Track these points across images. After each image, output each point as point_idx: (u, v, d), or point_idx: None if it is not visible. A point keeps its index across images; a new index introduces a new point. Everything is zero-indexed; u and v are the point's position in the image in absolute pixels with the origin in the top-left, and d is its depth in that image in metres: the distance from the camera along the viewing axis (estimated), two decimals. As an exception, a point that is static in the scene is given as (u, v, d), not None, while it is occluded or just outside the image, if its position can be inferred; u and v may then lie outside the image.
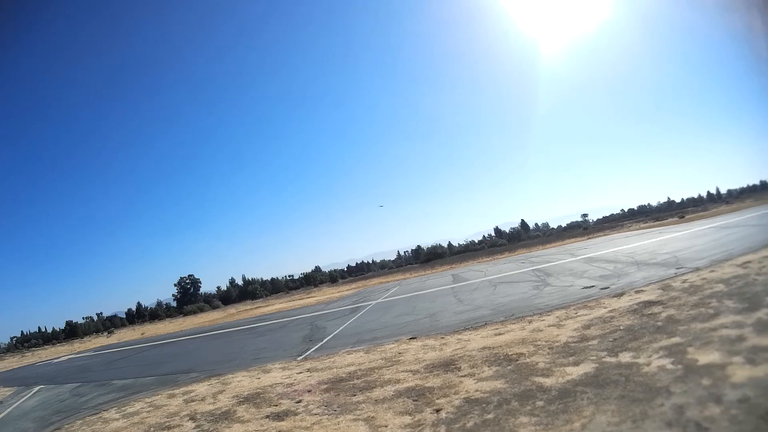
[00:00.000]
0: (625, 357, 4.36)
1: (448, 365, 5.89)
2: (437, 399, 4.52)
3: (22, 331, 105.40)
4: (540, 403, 3.66)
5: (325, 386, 6.52)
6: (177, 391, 9.16)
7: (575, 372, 4.27)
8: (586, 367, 4.32)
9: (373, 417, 4.50)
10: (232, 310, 61.41)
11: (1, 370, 34.67)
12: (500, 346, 6.29)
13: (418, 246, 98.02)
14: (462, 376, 5.16)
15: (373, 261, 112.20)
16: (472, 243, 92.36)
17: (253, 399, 6.90)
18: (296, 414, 5.47)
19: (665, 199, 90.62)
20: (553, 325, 6.88)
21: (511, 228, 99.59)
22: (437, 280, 27.26)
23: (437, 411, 4.10)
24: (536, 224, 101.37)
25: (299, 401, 6.04)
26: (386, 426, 4.14)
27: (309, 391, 6.46)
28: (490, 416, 3.58)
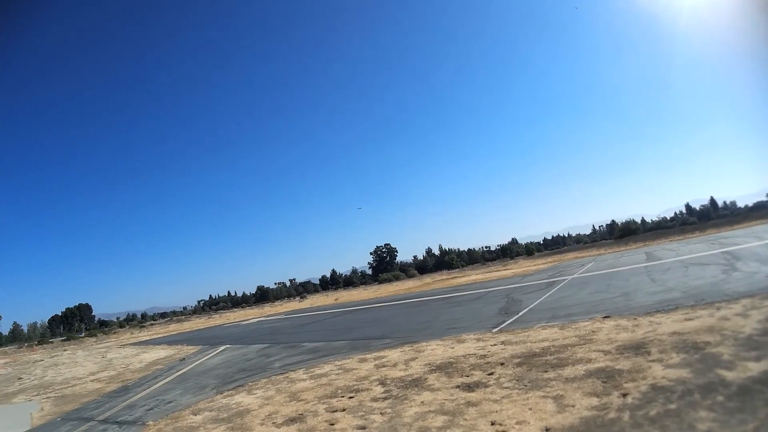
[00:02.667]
0: (804, 357, 4.45)
1: (638, 348, 6.17)
2: (625, 383, 4.87)
3: (210, 295, 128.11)
4: (720, 398, 3.95)
5: (518, 360, 6.95)
6: (368, 356, 9.85)
7: (756, 368, 4.45)
8: (766, 365, 4.48)
9: (562, 396, 4.89)
10: (428, 279, 67.11)
11: (185, 330, 40.64)
12: (689, 332, 6.43)
13: (613, 221, 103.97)
14: (651, 361, 5.45)
15: (568, 235, 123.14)
16: (664, 220, 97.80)
17: (445, 368, 7.33)
18: (487, 386, 5.84)
19: None
20: (739, 315, 6.90)
21: (701, 205, 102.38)
22: (631, 257, 28.15)
23: (624, 395, 4.49)
24: (724, 202, 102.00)
25: (491, 373, 6.43)
26: (573, 406, 4.51)
27: (501, 364, 6.88)
28: (672, 407, 3.95)
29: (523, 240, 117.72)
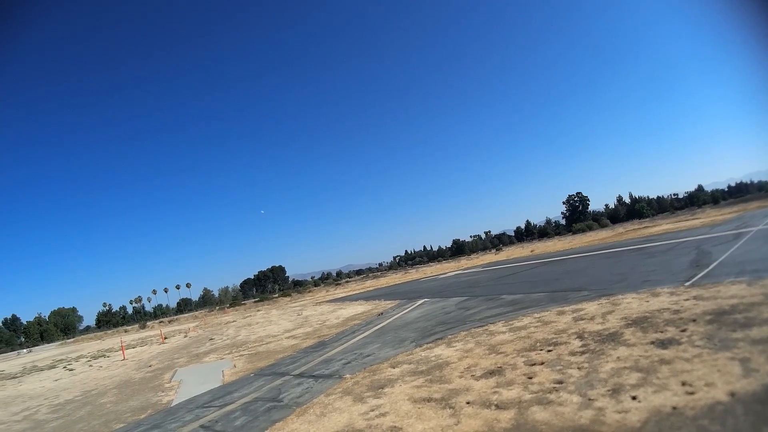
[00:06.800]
0: None
1: (818, 312, 6.16)
2: (799, 354, 5.04)
3: (406, 250, 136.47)
4: None
5: (709, 317, 7.08)
6: (566, 309, 10.20)
7: None
8: None
9: (748, 359, 5.03)
10: (620, 229, 67.56)
11: (382, 285, 43.48)
12: None
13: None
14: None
15: (751, 182, 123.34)
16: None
17: (641, 323, 7.60)
18: (680, 344, 6.04)
19: None
20: None
21: None
22: (813, 209, 24.72)
23: (797, 369, 4.71)
24: None
25: (684, 330, 6.65)
26: (758, 371, 4.66)
27: (694, 321, 7.06)
28: None
29: (708, 187, 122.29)
